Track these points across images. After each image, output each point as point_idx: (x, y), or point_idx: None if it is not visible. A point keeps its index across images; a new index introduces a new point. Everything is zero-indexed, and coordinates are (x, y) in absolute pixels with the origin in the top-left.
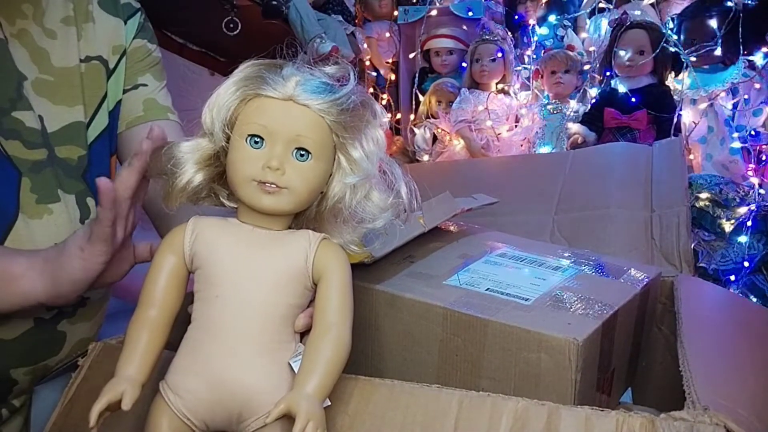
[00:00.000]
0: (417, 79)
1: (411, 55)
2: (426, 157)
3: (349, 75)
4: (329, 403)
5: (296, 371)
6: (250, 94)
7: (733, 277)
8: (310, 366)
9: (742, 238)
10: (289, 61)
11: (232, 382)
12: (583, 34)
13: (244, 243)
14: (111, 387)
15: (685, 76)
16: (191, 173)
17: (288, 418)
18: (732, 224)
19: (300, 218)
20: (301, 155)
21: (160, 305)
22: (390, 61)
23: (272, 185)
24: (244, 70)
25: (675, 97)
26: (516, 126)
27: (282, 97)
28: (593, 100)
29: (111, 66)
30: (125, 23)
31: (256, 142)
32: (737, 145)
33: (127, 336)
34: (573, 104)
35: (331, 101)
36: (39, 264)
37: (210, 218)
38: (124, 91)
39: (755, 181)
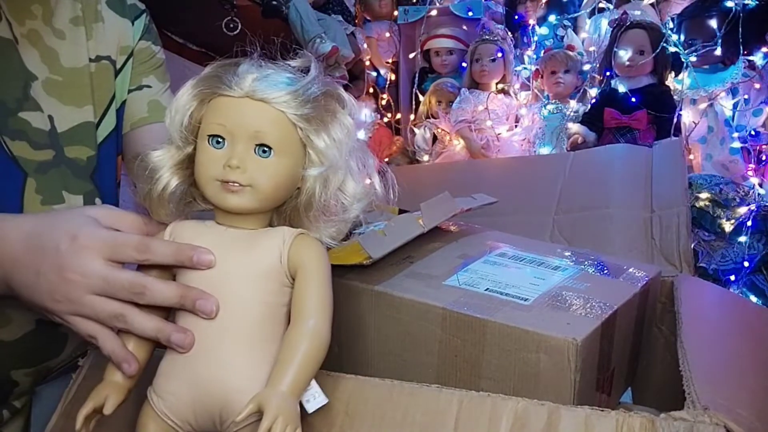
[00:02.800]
0: (417, 79)
1: (411, 55)
2: (426, 157)
3: (311, 65)
4: (327, 400)
5: None
6: (207, 94)
7: (733, 277)
8: (285, 362)
9: (742, 238)
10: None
11: (211, 382)
12: (583, 34)
13: (219, 244)
14: (97, 392)
15: (685, 76)
16: (166, 178)
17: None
18: (732, 224)
19: (280, 215)
20: (264, 152)
21: (147, 310)
22: (390, 61)
23: (235, 184)
24: (204, 72)
25: (675, 97)
26: (516, 126)
27: (238, 95)
28: (593, 100)
29: (118, 66)
30: (132, 24)
31: (218, 142)
32: (737, 145)
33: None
34: (573, 104)
35: (289, 94)
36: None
37: (188, 221)
38: (129, 92)
39: (755, 181)
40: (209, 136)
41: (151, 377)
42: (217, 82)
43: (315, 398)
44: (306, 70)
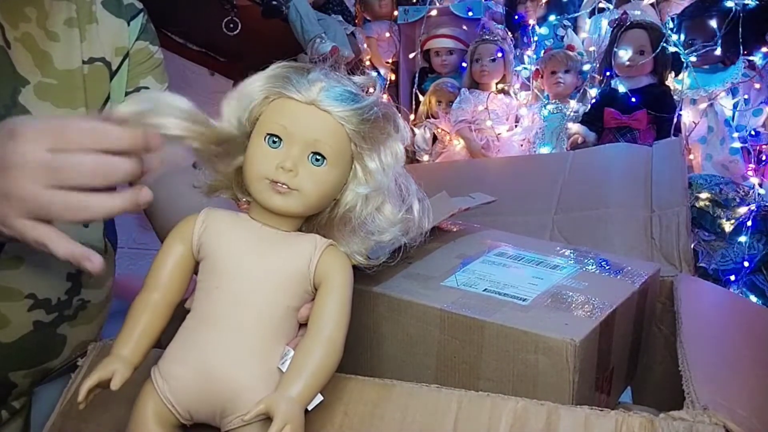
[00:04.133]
0: (417, 79)
1: (411, 55)
2: (426, 157)
3: (375, 86)
4: (322, 398)
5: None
6: (274, 93)
7: (733, 277)
8: (298, 369)
9: (742, 238)
10: (317, 66)
11: (218, 375)
12: (583, 34)
13: (251, 239)
14: (104, 365)
15: (685, 76)
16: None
17: (269, 420)
18: (732, 224)
19: (311, 223)
20: (317, 160)
21: (163, 291)
22: (390, 61)
23: (284, 185)
24: (273, 69)
25: (675, 97)
26: (516, 126)
27: (305, 101)
28: (593, 100)
29: (114, 68)
30: (128, 24)
31: (274, 142)
32: (737, 145)
33: (128, 317)
34: (573, 104)
35: (352, 110)
36: None
37: (223, 211)
38: (126, 94)
39: (755, 181)
40: (268, 134)
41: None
42: (286, 83)
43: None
44: (366, 89)
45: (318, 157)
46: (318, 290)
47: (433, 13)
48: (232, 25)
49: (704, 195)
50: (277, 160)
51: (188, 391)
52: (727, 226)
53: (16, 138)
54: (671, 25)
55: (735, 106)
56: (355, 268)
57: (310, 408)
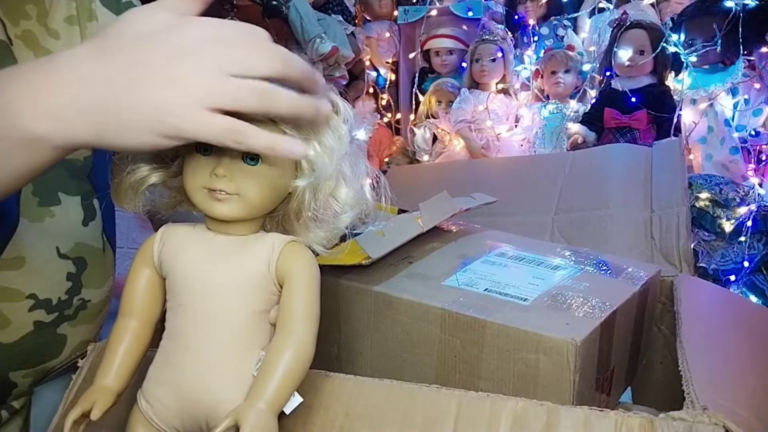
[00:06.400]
0: (417, 79)
1: (411, 55)
2: (426, 157)
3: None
4: (301, 399)
5: None
6: None
7: (733, 277)
8: (267, 376)
9: (742, 238)
10: None
11: (196, 391)
12: (583, 34)
13: (206, 251)
14: (85, 397)
15: (685, 76)
16: (144, 171)
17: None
18: (732, 224)
19: (273, 220)
20: (252, 159)
21: (139, 316)
22: (390, 61)
23: (221, 192)
24: None
25: (675, 97)
26: (516, 126)
27: None
28: (593, 100)
29: None
30: None
31: (205, 150)
32: (737, 145)
33: (107, 345)
34: (573, 104)
35: None
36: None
37: (179, 225)
38: None
39: (755, 181)
40: (197, 143)
41: (140, 380)
42: None
43: (289, 400)
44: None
45: (252, 156)
46: (282, 290)
47: (433, 13)
48: None
49: (704, 195)
50: (210, 168)
51: (172, 412)
52: (727, 226)
53: (181, 26)
54: (671, 25)
55: (735, 106)
56: (355, 266)
57: (288, 411)
